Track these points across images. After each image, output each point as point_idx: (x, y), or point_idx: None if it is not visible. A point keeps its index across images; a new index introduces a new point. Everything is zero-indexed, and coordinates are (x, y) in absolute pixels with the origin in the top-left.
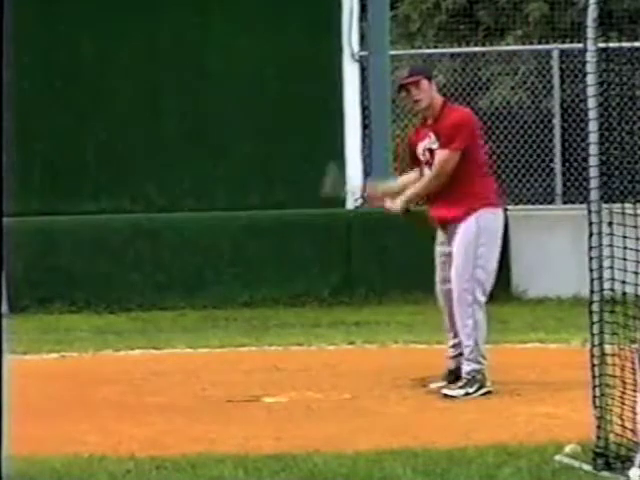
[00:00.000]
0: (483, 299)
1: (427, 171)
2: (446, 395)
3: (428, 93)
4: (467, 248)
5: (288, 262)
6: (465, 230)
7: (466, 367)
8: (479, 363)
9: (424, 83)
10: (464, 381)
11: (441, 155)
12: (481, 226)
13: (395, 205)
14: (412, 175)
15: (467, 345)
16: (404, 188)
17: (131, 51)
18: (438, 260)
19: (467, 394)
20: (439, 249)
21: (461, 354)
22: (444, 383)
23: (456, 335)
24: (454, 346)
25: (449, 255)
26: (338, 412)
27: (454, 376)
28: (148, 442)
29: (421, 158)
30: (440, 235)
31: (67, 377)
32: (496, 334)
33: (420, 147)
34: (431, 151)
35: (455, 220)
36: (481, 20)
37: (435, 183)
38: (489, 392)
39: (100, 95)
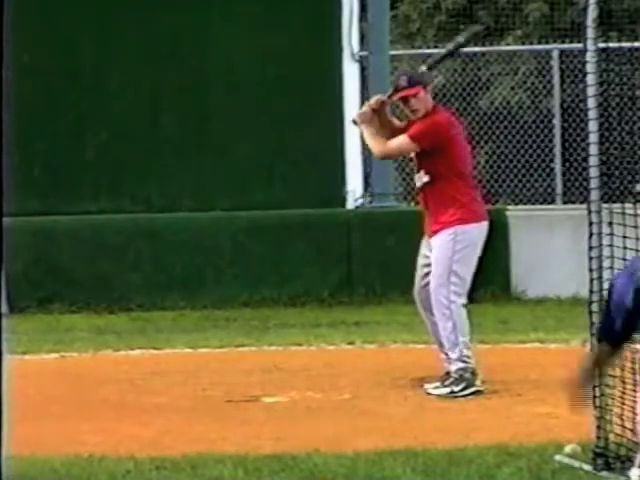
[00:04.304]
0: (461, 301)
1: (416, 175)
2: (429, 394)
3: (424, 103)
4: (444, 259)
5: (288, 262)
6: (442, 242)
7: (452, 367)
8: (464, 362)
9: (422, 93)
10: (451, 379)
11: (398, 139)
12: (458, 240)
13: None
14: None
15: (449, 348)
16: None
17: (131, 51)
18: (420, 272)
19: (452, 392)
20: (422, 261)
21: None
22: (439, 384)
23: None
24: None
25: (429, 266)
26: (338, 412)
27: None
28: (148, 442)
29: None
30: (424, 247)
31: (67, 377)
32: (496, 334)
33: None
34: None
35: (436, 233)
36: (481, 20)
37: (377, 151)
38: (479, 392)
39: (100, 95)
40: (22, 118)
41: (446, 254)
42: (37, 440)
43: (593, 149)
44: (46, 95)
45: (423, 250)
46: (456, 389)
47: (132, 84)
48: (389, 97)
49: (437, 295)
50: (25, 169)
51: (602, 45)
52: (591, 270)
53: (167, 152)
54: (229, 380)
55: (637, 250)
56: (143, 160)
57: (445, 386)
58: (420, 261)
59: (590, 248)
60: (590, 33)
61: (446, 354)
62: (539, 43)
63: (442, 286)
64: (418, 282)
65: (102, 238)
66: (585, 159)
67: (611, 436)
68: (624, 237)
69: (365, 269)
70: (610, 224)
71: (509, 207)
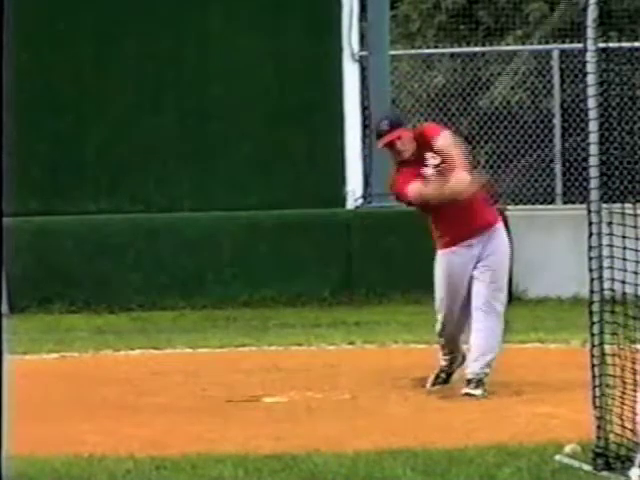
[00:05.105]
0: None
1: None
2: (469, 394)
3: (410, 142)
4: (506, 260)
5: (288, 262)
6: (504, 240)
7: (479, 370)
8: (490, 368)
9: (405, 134)
10: (476, 381)
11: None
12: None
13: None
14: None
15: (491, 352)
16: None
17: (131, 51)
18: (462, 291)
19: (483, 393)
20: (463, 278)
21: (451, 360)
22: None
23: (454, 355)
24: (449, 359)
25: (467, 274)
26: (338, 412)
27: (447, 376)
28: (148, 442)
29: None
30: (464, 257)
31: (67, 377)
32: None
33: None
34: (436, 167)
35: (488, 228)
36: (481, 20)
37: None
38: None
39: (100, 95)
40: (22, 118)
41: (507, 254)
42: (37, 440)
43: (593, 149)
44: (46, 95)
45: (457, 266)
46: (484, 391)
47: (132, 84)
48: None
49: (494, 300)
50: (25, 169)
51: (602, 45)
52: (591, 270)
53: (167, 152)
54: (229, 380)
55: (637, 250)
56: (143, 160)
57: (476, 387)
58: (458, 279)
59: (590, 248)
60: (590, 33)
61: (451, 360)
62: (539, 43)
63: (501, 290)
64: (459, 302)
65: (102, 238)
66: (585, 159)
67: (611, 436)
68: (624, 237)
69: (365, 269)
70: (610, 224)
71: (509, 207)
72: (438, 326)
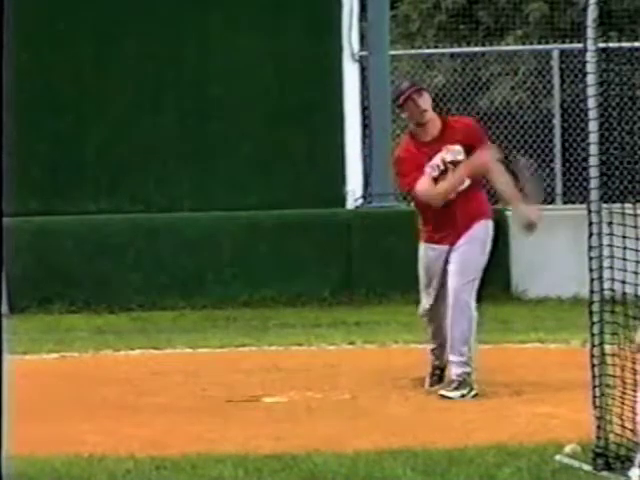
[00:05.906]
0: (475, 302)
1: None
2: (443, 396)
3: (430, 105)
4: (480, 254)
5: (288, 262)
6: (480, 235)
7: (457, 369)
8: (470, 366)
9: (426, 94)
10: (456, 383)
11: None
12: (490, 234)
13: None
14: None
15: (462, 350)
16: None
17: (131, 51)
18: (436, 285)
19: (463, 396)
20: (439, 269)
21: (438, 355)
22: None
23: (440, 342)
24: (437, 350)
25: (441, 266)
26: (338, 412)
27: (441, 372)
28: (148, 442)
29: (434, 173)
30: (437, 259)
31: (67, 377)
32: (496, 334)
33: (435, 161)
34: (454, 163)
35: (472, 222)
36: (481, 20)
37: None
38: (476, 394)
39: (100, 95)
40: (22, 118)
41: (483, 249)
42: (37, 440)
43: (593, 149)
44: (46, 95)
45: (437, 262)
46: (465, 392)
47: (132, 84)
48: (398, 106)
49: (461, 293)
50: (25, 169)
51: (602, 45)
52: (591, 270)
53: (167, 152)
54: (229, 380)
55: (637, 250)
56: (143, 160)
57: (455, 389)
58: (434, 272)
59: (590, 248)
60: (590, 33)
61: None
62: (539, 43)
63: (470, 284)
64: (433, 295)
65: (102, 238)
66: (585, 159)
67: (611, 436)
68: (624, 237)
69: (365, 269)
70: (610, 224)
71: (509, 207)
72: (420, 308)
